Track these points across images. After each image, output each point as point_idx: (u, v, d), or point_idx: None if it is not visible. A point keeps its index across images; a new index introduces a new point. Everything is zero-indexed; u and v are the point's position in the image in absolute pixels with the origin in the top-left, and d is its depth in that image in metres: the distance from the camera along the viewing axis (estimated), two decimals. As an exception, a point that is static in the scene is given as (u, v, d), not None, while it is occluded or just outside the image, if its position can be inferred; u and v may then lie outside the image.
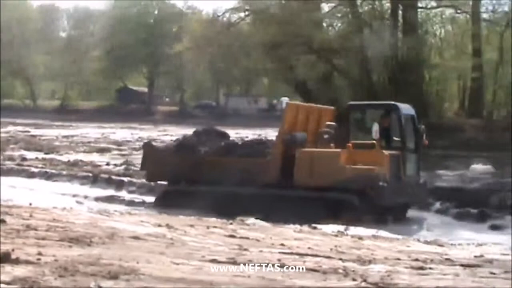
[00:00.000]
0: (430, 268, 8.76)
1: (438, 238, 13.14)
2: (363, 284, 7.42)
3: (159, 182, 19.70)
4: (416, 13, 36.76)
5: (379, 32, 35.77)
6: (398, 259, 9.42)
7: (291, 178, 16.42)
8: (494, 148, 27.38)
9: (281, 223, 13.63)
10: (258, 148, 17.67)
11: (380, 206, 15.97)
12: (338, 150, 16.40)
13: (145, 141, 21.36)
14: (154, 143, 20.24)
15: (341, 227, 13.35)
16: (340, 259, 9.00)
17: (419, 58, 35.92)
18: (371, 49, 36.11)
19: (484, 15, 39.38)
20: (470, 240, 13.16)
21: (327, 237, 11.75)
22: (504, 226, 16.02)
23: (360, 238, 11.81)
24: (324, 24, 38.86)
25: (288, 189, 16.38)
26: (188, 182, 17.87)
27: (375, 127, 16.14)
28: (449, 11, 41.10)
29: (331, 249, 9.92)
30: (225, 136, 19.62)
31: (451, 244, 12.16)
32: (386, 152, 16.31)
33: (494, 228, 16.03)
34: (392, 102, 18.51)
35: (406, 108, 17.88)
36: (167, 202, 17.28)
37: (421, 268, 8.71)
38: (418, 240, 12.33)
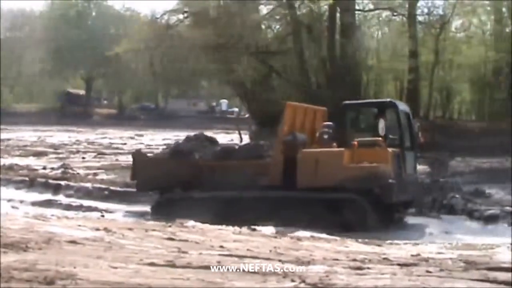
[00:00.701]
0: (368, 268, 8.84)
1: (376, 238, 13.26)
2: (302, 285, 7.45)
3: (150, 191, 18.81)
4: (353, 15, 37.13)
5: (317, 34, 36.07)
6: (337, 259, 9.49)
7: (294, 179, 15.99)
8: (430, 149, 27.76)
9: (291, 227, 13.82)
10: (256, 151, 17.43)
11: (387, 204, 15.86)
12: (342, 149, 16.08)
13: (136, 149, 20.59)
14: (144, 151, 19.33)
15: (280, 228, 13.35)
16: (279, 260, 9.02)
17: (356, 59, 36.32)
18: (309, 51, 36.42)
19: (420, 18, 39.95)
20: (408, 240, 13.32)
21: (266, 238, 11.77)
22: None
23: (299, 239, 11.88)
24: (263, 26, 39.00)
25: (291, 190, 15.94)
26: (185, 189, 17.20)
27: (381, 124, 16.13)
28: (385, 14, 41.63)
29: (270, 251, 9.95)
30: (215, 141, 19.41)
31: (389, 244, 12.31)
32: (389, 149, 16.06)
33: (430, 227, 16.27)
34: (389, 100, 18.50)
35: (402, 105, 17.78)
36: (165, 211, 16.41)
37: (359, 268, 8.78)
38: (357, 240, 12.43)
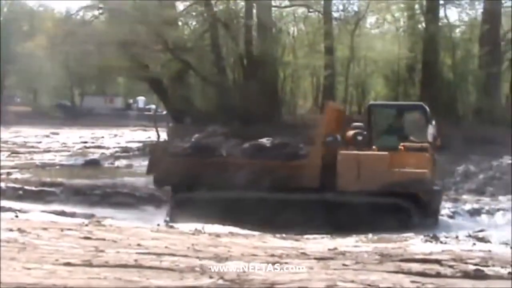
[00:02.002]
0: (286, 263, 8.93)
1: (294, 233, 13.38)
2: (220, 281, 7.47)
3: (166, 187, 17.54)
4: (270, 12, 37.33)
5: (234, 30, 36.13)
6: (255, 255, 9.55)
7: (333, 182, 15.38)
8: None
9: (336, 232, 13.43)
10: (290, 151, 16.29)
11: (432, 210, 15.63)
12: (386, 152, 15.45)
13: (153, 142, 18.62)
14: (164, 145, 17.31)
15: (198, 225, 13.30)
16: (197, 257, 9.03)
17: (273, 56, 36.52)
18: (226, 47, 36.46)
19: (335, 14, 40.48)
20: (324, 234, 13.46)
21: (184, 235, 11.74)
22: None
23: (218, 235, 11.88)
24: (179, 23, 38.82)
25: (331, 193, 15.34)
26: (209, 187, 15.85)
27: (430, 130, 15.65)
28: (301, 10, 42.01)
29: (188, 248, 9.93)
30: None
31: (306, 238, 12.44)
32: (428, 154, 15.66)
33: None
34: (419, 103, 17.99)
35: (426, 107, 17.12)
36: (187, 212, 15.15)
37: (277, 263, 8.86)
38: (275, 235, 12.52)
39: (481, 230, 14.56)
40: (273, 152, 16.00)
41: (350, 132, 16.00)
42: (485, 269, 8.83)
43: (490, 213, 17.85)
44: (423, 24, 38.29)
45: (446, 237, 12.71)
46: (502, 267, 9.01)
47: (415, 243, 11.80)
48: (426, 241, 12.16)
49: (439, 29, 37.42)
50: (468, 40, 39.20)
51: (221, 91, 36.13)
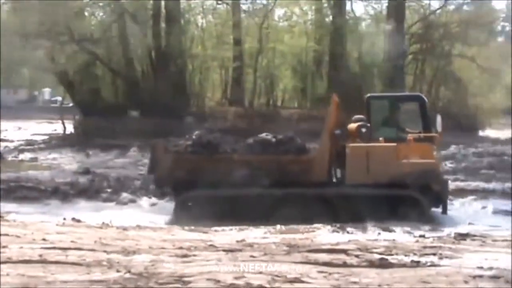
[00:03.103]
0: (194, 255, 8.92)
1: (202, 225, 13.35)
2: (127, 275, 7.40)
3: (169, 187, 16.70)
4: (178, 3, 37.15)
5: (141, 21, 35.79)
6: (163, 248, 9.50)
7: (342, 175, 15.22)
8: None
9: (348, 225, 13.10)
10: (296, 145, 15.75)
11: (442, 200, 15.27)
12: (394, 144, 15.21)
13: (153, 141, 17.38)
14: (164, 143, 16.40)
15: (106, 219, 13.12)
16: (104, 251, 8.91)
17: (181, 48, 36.37)
18: (134, 38, 36.10)
19: (244, 6, 40.61)
20: (233, 226, 13.48)
21: (91, 229, 11.56)
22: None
23: (125, 229, 11.76)
24: (86, 13, 38.21)
25: (340, 187, 15.12)
26: (216, 185, 15.11)
27: (439, 119, 15.28)
28: (210, 2, 42.00)
29: (95, 242, 9.79)
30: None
31: (215, 231, 12.43)
32: (435, 145, 15.50)
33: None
34: (417, 94, 17.67)
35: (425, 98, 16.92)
36: (193, 211, 14.67)
37: (185, 255, 8.84)
38: (183, 228, 12.47)
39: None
40: (280, 147, 15.58)
41: (354, 125, 15.73)
42: (389, 258, 9.04)
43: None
44: (330, 17, 38.85)
45: (353, 227, 12.92)
46: (405, 256, 9.24)
47: (322, 234, 11.96)
48: (333, 231, 12.33)
49: (345, 22, 38.04)
50: (374, 33, 39.93)
51: (129, 83, 35.79)
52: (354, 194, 14.66)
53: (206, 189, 14.99)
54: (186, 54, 37.38)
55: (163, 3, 36.56)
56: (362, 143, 15.26)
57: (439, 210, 15.20)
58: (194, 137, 15.93)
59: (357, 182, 14.85)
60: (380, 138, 15.38)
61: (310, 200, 14.92)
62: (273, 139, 15.71)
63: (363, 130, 15.40)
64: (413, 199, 14.76)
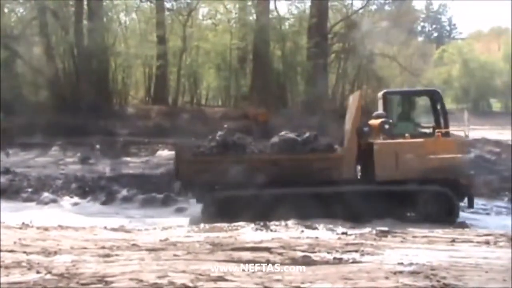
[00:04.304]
0: (117, 255, 8.83)
1: (124, 225, 13.24)
2: (48, 276, 7.28)
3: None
4: (101, 1, 36.69)
5: (63, 18, 35.22)
6: (85, 248, 9.38)
7: (371, 172, 15.06)
8: (178, 134, 28.19)
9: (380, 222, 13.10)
10: (323, 142, 15.72)
11: (470, 195, 15.37)
12: (422, 140, 15.37)
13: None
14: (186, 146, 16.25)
15: (26, 219, 12.85)
16: (24, 252, 8.75)
17: (104, 45, 35.91)
18: (55, 35, 35.49)
19: (168, 5, 40.35)
20: (156, 225, 13.42)
21: (10, 230, 11.30)
22: (187, 209, 16.55)
23: (46, 229, 11.54)
24: (6, 10, 37.36)
25: (370, 184, 14.96)
26: (243, 186, 14.80)
27: (466, 115, 15.47)
28: (134, 0, 41.55)
29: (14, 242, 9.59)
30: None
31: (138, 230, 12.33)
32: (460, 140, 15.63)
33: (179, 211, 16.49)
34: (433, 88, 17.62)
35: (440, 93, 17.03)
36: (223, 212, 14.44)
37: (108, 255, 8.75)
38: (105, 228, 12.33)
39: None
40: (308, 146, 15.49)
41: (376, 121, 15.74)
42: (312, 255, 9.13)
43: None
44: (254, 16, 38.95)
45: (276, 225, 12.98)
46: (328, 253, 9.35)
47: (246, 232, 11.98)
48: (256, 229, 12.36)
49: (269, 21, 38.18)
50: (297, 32, 40.23)
51: (51, 81, 35.16)
52: (384, 191, 14.71)
53: (235, 190, 14.83)
54: (109, 52, 36.91)
55: (85, 1, 36.05)
56: (388, 140, 15.36)
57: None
58: (217, 138, 15.71)
59: (386, 178, 14.93)
60: (406, 134, 15.52)
61: (341, 198, 14.77)
62: (299, 138, 15.62)
63: (386, 126, 15.51)
64: (443, 194, 14.95)
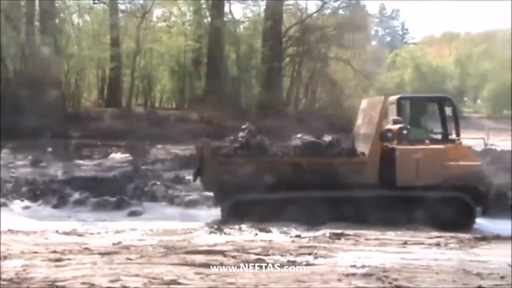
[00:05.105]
0: (68, 259, 8.72)
1: (76, 229, 13.07)
2: (-3, 281, 7.16)
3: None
4: (53, 2, 36.32)
5: (15, 19, 34.77)
6: (36, 252, 9.24)
7: (393, 178, 14.84)
8: (131, 136, 28.05)
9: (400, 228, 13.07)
10: (347, 147, 15.59)
11: (486, 202, 15.34)
12: (442, 146, 15.34)
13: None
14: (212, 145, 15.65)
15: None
16: (-28, 257, 8.58)
17: (56, 47, 35.55)
18: (7, 37, 35.00)
19: (122, 6, 40.16)
20: (109, 228, 13.27)
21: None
22: (141, 212, 16.42)
23: (-5, 233, 11.35)
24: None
25: (392, 190, 14.70)
26: (266, 188, 14.43)
27: (486, 124, 15.56)
28: (86, 1, 41.20)
29: (-40, 248, 9.40)
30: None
31: (90, 234, 12.19)
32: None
33: (133, 214, 16.34)
34: (445, 95, 17.57)
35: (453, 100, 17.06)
36: (246, 214, 13.98)
37: (59, 259, 8.64)
38: (57, 231, 12.16)
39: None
40: (332, 150, 15.31)
41: (394, 126, 15.57)
42: (266, 258, 9.13)
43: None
44: (209, 19, 38.94)
45: (230, 228, 12.96)
46: (281, 256, 9.36)
47: (200, 235, 11.94)
48: (210, 232, 12.32)
49: (224, 24, 38.20)
50: (252, 35, 40.33)
51: (0, 82, 34.66)
52: (406, 196, 14.61)
53: (258, 192, 14.50)
54: (62, 54, 36.54)
55: (37, 1, 35.64)
56: (409, 146, 15.29)
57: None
58: (240, 139, 15.35)
59: (407, 184, 14.85)
60: (427, 141, 15.50)
61: (364, 203, 14.52)
62: (322, 142, 15.44)
63: (405, 131, 15.43)
64: (462, 201, 14.93)
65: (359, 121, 16.58)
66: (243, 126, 15.84)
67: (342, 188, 14.69)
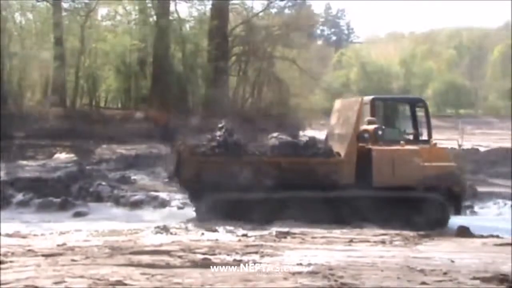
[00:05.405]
0: (11, 261, 8.60)
1: (20, 230, 12.87)
2: None
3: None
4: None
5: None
6: (-26, 255, 9.08)
7: (369, 178, 15.02)
8: (76, 137, 27.76)
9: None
10: (324, 147, 15.76)
11: (460, 201, 15.69)
12: (417, 147, 15.55)
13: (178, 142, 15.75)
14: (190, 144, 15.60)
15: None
16: None
17: (-2, 45, 34.95)
18: None
19: (65, 5, 39.58)
20: (54, 230, 13.11)
21: None
22: (87, 213, 16.27)
23: None
24: None
25: (367, 190, 14.88)
26: (243, 187, 14.56)
27: (461, 125, 15.51)
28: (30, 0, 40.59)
29: None
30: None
31: (34, 235, 12.04)
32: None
33: (78, 215, 16.17)
34: (418, 96, 17.55)
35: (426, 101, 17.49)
36: (223, 213, 14.21)
37: (2, 262, 8.51)
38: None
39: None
40: (309, 150, 15.44)
41: (370, 127, 15.74)
42: (212, 257, 9.13)
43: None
44: (154, 18, 38.71)
45: (176, 228, 12.93)
46: (228, 255, 9.36)
47: (146, 235, 11.89)
48: (156, 232, 12.28)
49: (169, 23, 38.01)
50: (198, 34, 40.23)
51: None
52: (382, 197, 14.77)
53: (234, 191, 14.57)
54: (4, 53, 35.89)
55: (-23, -1, 35.00)
56: (385, 146, 15.51)
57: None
58: (217, 138, 15.41)
59: (383, 184, 15.05)
60: (402, 142, 15.75)
61: (340, 202, 14.89)
62: (300, 142, 15.69)
63: (380, 132, 15.66)
64: (436, 201, 15.23)
65: (333, 121, 16.82)
66: (220, 125, 15.93)
67: (319, 188, 14.92)
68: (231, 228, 12.76)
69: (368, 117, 16.37)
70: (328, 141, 16.60)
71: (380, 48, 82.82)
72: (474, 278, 8.08)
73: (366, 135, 15.56)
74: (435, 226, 14.34)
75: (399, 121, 17.81)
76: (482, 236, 12.93)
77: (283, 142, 15.70)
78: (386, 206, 14.65)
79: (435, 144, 16.15)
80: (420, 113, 17.51)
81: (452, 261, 9.42)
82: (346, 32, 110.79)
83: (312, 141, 15.96)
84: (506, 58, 73.88)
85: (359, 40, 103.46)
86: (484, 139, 42.42)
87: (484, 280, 7.98)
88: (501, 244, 11.74)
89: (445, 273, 8.41)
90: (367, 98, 16.98)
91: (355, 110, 15.80)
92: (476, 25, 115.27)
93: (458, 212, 15.88)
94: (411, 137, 17.01)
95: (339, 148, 15.74)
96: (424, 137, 16.93)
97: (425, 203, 15.16)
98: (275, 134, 16.07)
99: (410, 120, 17.46)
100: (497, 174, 23.65)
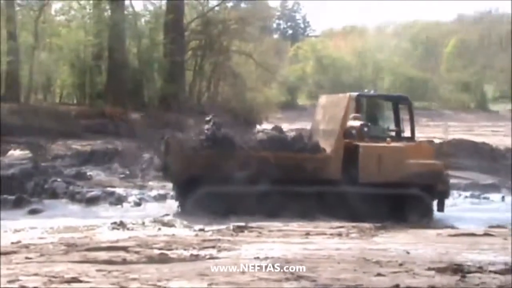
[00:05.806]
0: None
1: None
2: None
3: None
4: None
5: None
6: None
7: (355, 174, 15.20)
8: (31, 133, 27.39)
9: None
10: (312, 143, 15.85)
11: (443, 199, 15.97)
12: (402, 145, 15.84)
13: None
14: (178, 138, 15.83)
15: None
16: None
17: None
18: None
19: (18, 0, 39.09)
20: (8, 227, 12.94)
21: None
22: (42, 210, 16.12)
23: None
24: None
25: (353, 186, 15.07)
26: (231, 181, 14.61)
27: (446, 125, 15.54)
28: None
29: None
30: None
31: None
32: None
33: (33, 212, 16.00)
34: (402, 94, 18.01)
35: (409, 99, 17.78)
36: (211, 208, 14.43)
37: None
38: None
39: (166, 215, 14.90)
40: (297, 145, 15.60)
41: (355, 124, 15.89)
42: (169, 252, 9.11)
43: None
44: (109, 12, 38.40)
45: (133, 224, 12.87)
46: (185, 250, 9.35)
47: (102, 232, 11.81)
48: (113, 228, 12.22)
49: (124, 17, 37.76)
50: (153, 29, 40.02)
51: None
52: (368, 193, 15.00)
53: (223, 185, 14.73)
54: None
55: None
56: (371, 143, 15.74)
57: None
58: (206, 131, 15.46)
59: (369, 181, 15.27)
60: (388, 139, 16.11)
61: (326, 198, 15.03)
62: (287, 137, 15.88)
63: (365, 129, 15.93)
64: (420, 198, 15.57)
65: (319, 117, 16.93)
66: (207, 118, 16.01)
67: (303, 183, 15.14)
68: (187, 222, 12.75)
69: (353, 114, 16.58)
70: (313, 137, 16.70)
71: (336, 42, 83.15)
72: (429, 269, 8.18)
73: (353, 131, 15.83)
74: (418, 223, 14.47)
75: (382, 118, 18.04)
76: (436, 227, 13.11)
77: (270, 136, 15.94)
78: (371, 202, 14.89)
79: (421, 141, 16.57)
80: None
81: (408, 252, 9.54)
82: (302, 26, 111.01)
83: (299, 136, 16.22)
84: (460, 51, 74.92)
85: (315, 34, 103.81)
86: (438, 131, 42.96)
87: (439, 270, 8.09)
88: (455, 235, 11.93)
89: (400, 264, 8.51)
90: (353, 95, 17.15)
91: (342, 106, 16.00)
92: (430, 18, 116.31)
93: (441, 209, 16.22)
94: (393, 134, 17.23)
95: (325, 144, 15.97)
96: (407, 134, 17.15)
97: (409, 199, 15.52)
98: (261, 128, 16.46)
99: (393, 117, 17.69)
100: (451, 166, 23.97)
